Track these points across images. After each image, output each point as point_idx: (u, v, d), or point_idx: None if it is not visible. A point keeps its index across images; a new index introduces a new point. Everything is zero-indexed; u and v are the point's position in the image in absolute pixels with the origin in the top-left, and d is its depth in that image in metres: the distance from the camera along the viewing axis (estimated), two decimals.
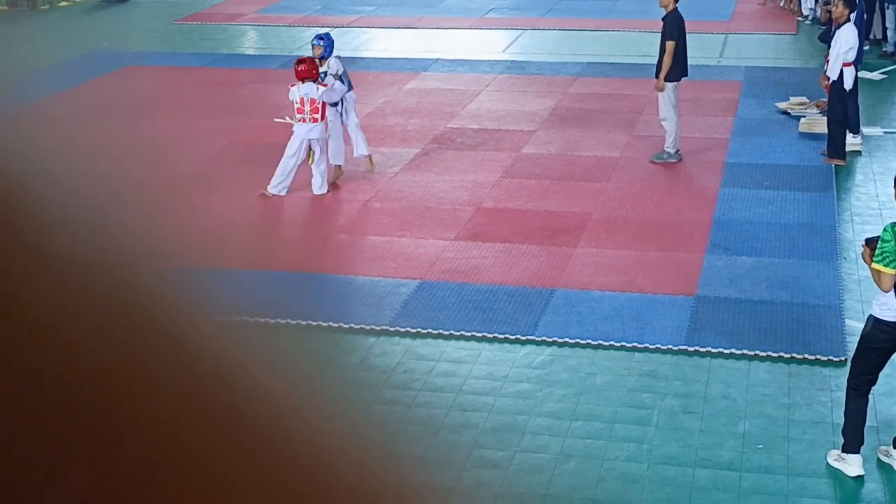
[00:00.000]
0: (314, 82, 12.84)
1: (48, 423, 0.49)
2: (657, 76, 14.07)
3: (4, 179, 0.54)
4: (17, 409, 0.49)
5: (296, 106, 12.85)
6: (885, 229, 7.78)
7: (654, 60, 14.44)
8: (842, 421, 8.15)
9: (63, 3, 25.05)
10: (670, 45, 13.89)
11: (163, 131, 14.68)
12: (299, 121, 12.80)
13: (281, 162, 12.77)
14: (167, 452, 0.51)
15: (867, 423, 8.09)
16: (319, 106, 12.78)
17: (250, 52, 21.20)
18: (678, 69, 14.00)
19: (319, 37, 13.86)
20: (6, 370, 0.50)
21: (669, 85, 13.95)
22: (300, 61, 13.07)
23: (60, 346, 0.51)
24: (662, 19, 14.11)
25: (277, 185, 12.82)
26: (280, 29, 22.54)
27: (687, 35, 14.13)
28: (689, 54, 14.26)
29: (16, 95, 0.59)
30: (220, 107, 16.62)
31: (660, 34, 14.21)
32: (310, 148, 12.83)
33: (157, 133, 14.35)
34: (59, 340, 0.51)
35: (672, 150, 14.16)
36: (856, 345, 8.28)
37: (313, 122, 12.75)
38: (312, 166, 12.90)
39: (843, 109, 14.03)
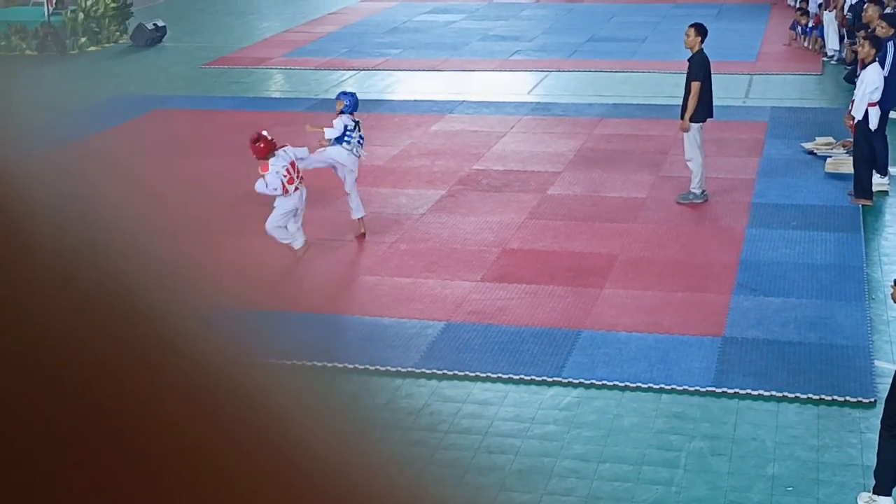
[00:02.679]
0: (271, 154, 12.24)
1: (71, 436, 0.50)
2: (682, 117, 14.07)
3: (36, 215, 0.54)
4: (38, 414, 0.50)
5: (286, 178, 12.17)
6: None
7: (680, 101, 14.46)
8: (872, 463, 8.07)
9: (92, 48, 25.31)
10: (696, 85, 13.90)
11: (189, 173, 14.77)
12: (295, 189, 12.22)
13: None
14: (189, 481, 0.51)
15: None
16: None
17: (276, 95, 21.34)
18: (703, 110, 14.00)
19: (345, 93, 13.73)
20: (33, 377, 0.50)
21: (695, 125, 13.95)
22: (254, 140, 12.29)
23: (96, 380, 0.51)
24: (688, 60, 14.13)
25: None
26: (306, 72, 22.69)
27: (712, 75, 14.14)
28: (714, 95, 14.26)
29: (45, 139, 0.60)
30: (246, 149, 16.69)
31: (685, 75, 14.23)
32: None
33: (183, 175, 14.43)
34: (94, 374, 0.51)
35: (698, 191, 14.14)
36: (888, 386, 8.20)
37: (302, 181, 12.30)
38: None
39: (869, 149, 13.99)
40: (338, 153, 13.22)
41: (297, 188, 12.27)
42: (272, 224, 12.26)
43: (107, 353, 0.52)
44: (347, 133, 13.24)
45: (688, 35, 14.13)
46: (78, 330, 0.53)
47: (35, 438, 0.50)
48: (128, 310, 0.54)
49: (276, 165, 12.19)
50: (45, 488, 0.50)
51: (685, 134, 14.07)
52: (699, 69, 13.93)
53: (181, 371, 0.54)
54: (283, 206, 12.25)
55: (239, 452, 0.53)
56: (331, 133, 13.26)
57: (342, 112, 13.34)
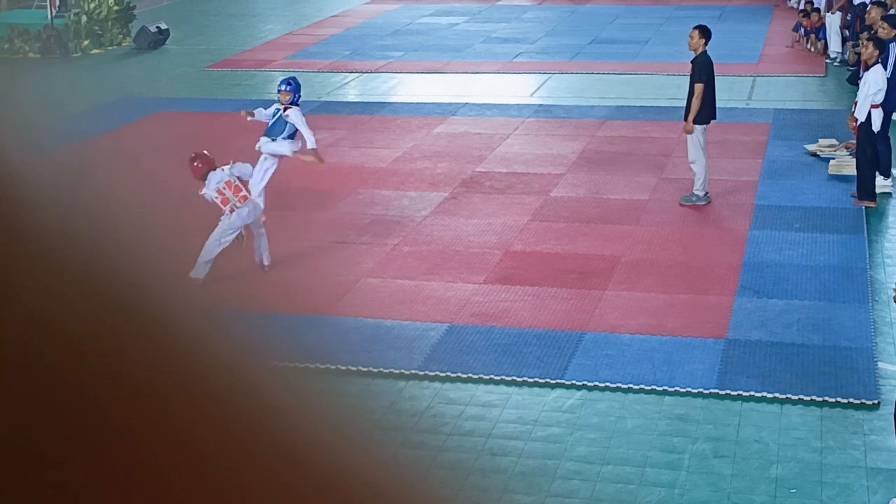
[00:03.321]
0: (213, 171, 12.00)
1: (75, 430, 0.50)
2: (686, 119, 14.08)
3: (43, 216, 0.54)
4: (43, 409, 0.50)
5: (219, 199, 11.86)
6: None
7: (683, 103, 14.47)
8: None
9: (94, 51, 25.33)
10: (699, 87, 13.91)
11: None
12: (230, 211, 11.82)
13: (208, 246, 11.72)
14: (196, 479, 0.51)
15: None
16: (242, 185, 12.07)
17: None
18: (707, 112, 14.00)
19: (287, 82, 13.61)
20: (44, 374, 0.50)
21: (698, 127, 13.95)
22: (192, 160, 12.08)
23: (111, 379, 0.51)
24: (691, 62, 14.14)
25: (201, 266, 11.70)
26: (309, 75, 22.69)
27: (716, 77, 14.15)
28: (717, 97, 14.27)
29: (48, 141, 0.60)
30: (249, 152, 16.70)
31: (688, 77, 14.24)
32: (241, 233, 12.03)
33: (187, 176, 14.42)
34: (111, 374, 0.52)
35: (701, 193, 14.14)
36: (892, 388, 8.20)
37: (243, 200, 11.96)
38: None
39: (872, 151, 13.99)
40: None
41: (232, 209, 11.86)
42: (212, 239, 11.71)
43: (112, 354, 0.53)
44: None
45: (692, 37, 14.13)
46: (83, 329, 0.53)
47: (39, 437, 0.50)
48: (132, 309, 0.54)
49: (209, 186, 11.93)
50: (49, 488, 0.50)
51: (689, 136, 14.07)
52: (703, 71, 13.93)
53: (185, 371, 0.54)
54: (225, 221, 11.88)
55: (241, 452, 0.53)
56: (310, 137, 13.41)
57: (293, 102, 13.36)
